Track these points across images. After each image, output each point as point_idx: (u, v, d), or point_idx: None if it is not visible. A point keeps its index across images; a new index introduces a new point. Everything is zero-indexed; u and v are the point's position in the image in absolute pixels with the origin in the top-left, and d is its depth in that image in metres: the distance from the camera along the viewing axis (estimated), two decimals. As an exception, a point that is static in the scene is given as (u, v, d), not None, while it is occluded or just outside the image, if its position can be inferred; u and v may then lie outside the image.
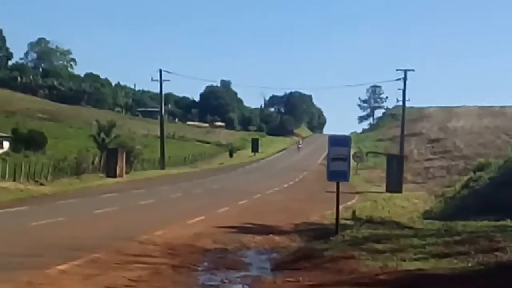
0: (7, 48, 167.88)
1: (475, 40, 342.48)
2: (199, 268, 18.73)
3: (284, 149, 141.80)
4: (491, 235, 21.18)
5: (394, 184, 53.24)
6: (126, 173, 77.19)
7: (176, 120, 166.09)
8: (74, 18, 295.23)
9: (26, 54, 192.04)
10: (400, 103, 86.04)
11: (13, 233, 25.43)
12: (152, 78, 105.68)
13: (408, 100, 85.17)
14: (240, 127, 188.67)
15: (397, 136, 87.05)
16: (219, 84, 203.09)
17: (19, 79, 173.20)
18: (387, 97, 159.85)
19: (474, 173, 49.02)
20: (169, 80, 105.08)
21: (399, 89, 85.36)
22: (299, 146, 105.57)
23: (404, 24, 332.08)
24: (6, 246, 20.99)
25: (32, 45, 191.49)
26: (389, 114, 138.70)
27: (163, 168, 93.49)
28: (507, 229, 22.58)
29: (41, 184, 59.83)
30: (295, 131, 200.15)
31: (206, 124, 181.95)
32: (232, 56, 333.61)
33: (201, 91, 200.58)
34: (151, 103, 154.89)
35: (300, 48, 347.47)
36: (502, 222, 24.91)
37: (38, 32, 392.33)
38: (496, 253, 17.37)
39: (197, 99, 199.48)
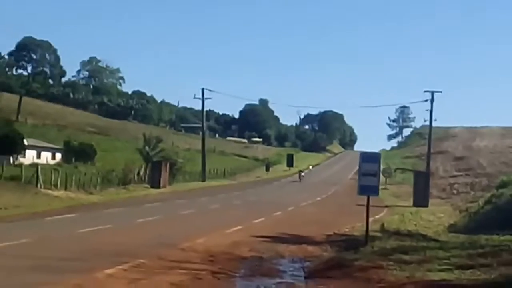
0: (61, 66, 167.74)
1: (499, 62, 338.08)
2: (237, 275, 19.07)
3: (317, 164, 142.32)
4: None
5: (421, 199, 53.77)
6: (169, 184, 78.74)
7: (217, 135, 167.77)
8: (124, 39, 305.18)
9: (78, 72, 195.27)
10: (427, 123, 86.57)
11: (63, 239, 26.26)
12: (194, 95, 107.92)
13: (435, 120, 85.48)
14: (276, 143, 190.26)
15: (424, 154, 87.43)
16: (257, 103, 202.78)
17: (71, 95, 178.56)
18: (414, 117, 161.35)
19: (497, 190, 48.51)
20: (210, 98, 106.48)
21: (426, 110, 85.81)
22: (302, 175, 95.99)
23: (433, 47, 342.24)
24: (57, 250, 21.71)
25: (83, 64, 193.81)
26: (417, 133, 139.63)
27: (203, 180, 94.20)
28: None
29: (90, 193, 61.33)
30: (328, 147, 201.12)
31: (245, 140, 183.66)
32: (270, 76, 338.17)
33: (241, 108, 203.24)
34: (193, 119, 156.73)
35: (333, 69, 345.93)
36: None
37: (90, 51, 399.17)
38: None
39: (236, 116, 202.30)
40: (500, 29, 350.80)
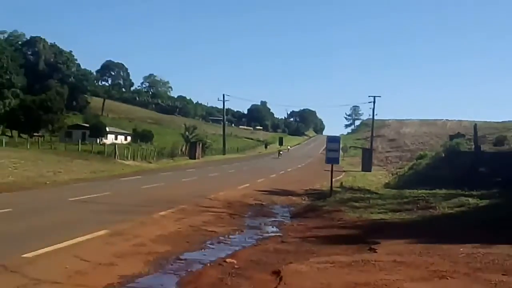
0: (130, 79, 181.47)
1: (422, 72, 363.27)
2: (246, 216, 21.54)
3: (298, 144, 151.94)
4: (427, 198, 23.86)
5: (366, 166, 57.29)
6: (202, 157, 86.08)
7: (232, 125, 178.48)
8: (171, 59, 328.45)
9: (142, 83, 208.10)
10: (371, 116, 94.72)
11: (132, 192, 29.17)
12: (218, 98, 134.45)
13: (376, 114, 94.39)
14: (272, 130, 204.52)
15: (368, 137, 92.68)
16: (259, 103, 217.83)
17: (137, 98, 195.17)
18: (362, 113, 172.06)
19: (416, 160, 52.32)
20: (228, 100, 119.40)
21: (370, 108, 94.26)
22: (280, 153, 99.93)
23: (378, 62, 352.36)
24: (128, 200, 24.66)
25: (145, 78, 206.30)
26: (364, 124, 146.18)
27: (224, 154, 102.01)
28: (436, 195, 24.78)
29: (149, 162, 67.55)
30: (306, 133, 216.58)
31: (251, 128, 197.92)
32: (268, 84, 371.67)
33: (248, 107, 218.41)
34: (217, 114, 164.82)
35: (309, 79, 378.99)
36: (433, 191, 26.85)
37: (150, 68, 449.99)
38: (430, 210, 20.64)
39: (245, 112, 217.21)
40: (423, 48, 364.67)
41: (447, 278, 9.54)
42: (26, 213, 18.86)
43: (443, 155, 44.19)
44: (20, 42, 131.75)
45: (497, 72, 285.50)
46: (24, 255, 11.00)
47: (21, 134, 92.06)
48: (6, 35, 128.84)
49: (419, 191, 28.03)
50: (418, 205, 22.54)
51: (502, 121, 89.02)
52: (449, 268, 10.35)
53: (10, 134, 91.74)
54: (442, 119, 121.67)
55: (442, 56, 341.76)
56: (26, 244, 12.19)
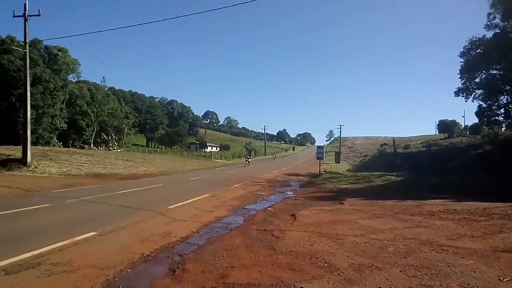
0: (218, 119, 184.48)
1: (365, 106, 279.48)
2: (276, 186, 20.76)
3: (302, 150, 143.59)
4: (369, 176, 23.74)
5: (337, 161, 54.69)
6: (254, 157, 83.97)
7: (269, 141, 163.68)
8: (240, 106, 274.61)
9: (224, 120, 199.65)
10: (339, 135, 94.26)
11: (220, 175, 28.34)
12: (261, 127, 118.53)
13: (340, 134, 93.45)
14: (289, 143, 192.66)
15: (337, 146, 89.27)
16: (282, 129, 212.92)
17: (221, 128, 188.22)
18: (334, 133, 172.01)
19: (363, 157, 50.05)
20: (268, 127, 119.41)
21: (338, 129, 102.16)
22: (248, 160, 56.06)
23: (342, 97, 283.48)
24: (218, 179, 24.33)
25: (226, 118, 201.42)
26: (335, 139, 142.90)
27: (265, 155, 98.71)
28: (374, 175, 24.28)
29: (228, 160, 66.53)
30: (306, 144, 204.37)
31: (278, 142, 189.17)
32: (285, 117, 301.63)
33: (276, 132, 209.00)
34: (261, 136, 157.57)
35: (308, 111, 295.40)
36: (372, 173, 26.32)
37: (228, 112, 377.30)
38: (371, 182, 20.53)
39: (275, 134, 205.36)
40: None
41: (381, 217, 9.46)
42: (170, 186, 19.07)
43: (377, 154, 43.49)
44: (165, 102, 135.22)
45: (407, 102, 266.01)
46: (169, 207, 11.14)
47: (166, 147, 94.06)
48: (158, 99, 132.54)
49: (365, 173, 27.57)
50: (364, 180, 22.22)
51: (408, 136, 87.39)
52: (382, 212, 10.32)
53: (161, 147, 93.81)
54: (376, 136, 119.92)
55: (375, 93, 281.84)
56: (170, 201, 12.20)
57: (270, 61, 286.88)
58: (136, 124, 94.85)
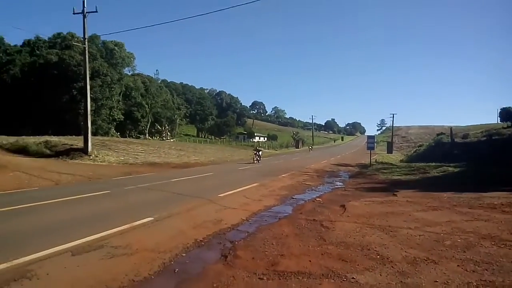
0: (265, 109, 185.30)
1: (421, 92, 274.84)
2: (325, 176, 20.39)
3: (351, 140, 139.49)
4: (424, 167, 22.63)
5: (389, 151, 51.57)
6: (302, 147, 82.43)
7: (316, 131, 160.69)
8: (286, 95, 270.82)
9: (271, 110, 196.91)
10: (391, 124, 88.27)
11: (268, 165, 27.76)
12: (308, 117, 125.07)
13: (393, 123, 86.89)
14: (337, 133, 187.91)
15: (390, 136, 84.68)
16: (330, 119, 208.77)
17: (269, 118, 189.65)
18: (386, 122, 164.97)
19: (418, 147, 47.11)
20: (316, 117, 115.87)
21: (390, 119, 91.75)
22: (310, 149, 66.60)
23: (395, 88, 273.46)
24: (266, 169, 24.12)
25: (273, 108, 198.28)
26: (387, 128, 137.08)
27: (313, 145, 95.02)
28: (430, 166, 23.11)
29: (276, 150, 65.65)
30: (355, 134, 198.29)
31: (326, 132, 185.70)
32: (336, 105, 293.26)
33: (324, 121, 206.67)
34: (308, 125, 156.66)
35: (359, 100, 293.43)
36: (427, 164, 25.05)
37: (276, 102, 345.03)
38: (426, 173, 19.52)
39: (323, 123, 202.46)
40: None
41: (436, 210, 9.03)
42: (220, 174, 19.35)
43: (433, 144, 41.32)
44: (214, 93, 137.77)
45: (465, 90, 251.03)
46: (219, 195, 11.36)
47: (215, 138, 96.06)
48: (207, 90, 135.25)
49: (419, 164, 26.36)
50: (419, 171, 21.16)
51: (467, 125, 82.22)
52: (438, 204, 9.81)
53: (210, 138, 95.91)
54: (431, 125, 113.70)
55: (433, 80, 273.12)
56: (220, 190, 12.41)
57: (317, 50, 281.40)
58: (187, 115, 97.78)
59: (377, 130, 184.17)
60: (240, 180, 15.97)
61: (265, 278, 4.49)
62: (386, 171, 22.81)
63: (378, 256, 5.28)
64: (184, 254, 5.49)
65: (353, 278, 4.46)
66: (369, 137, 32.06)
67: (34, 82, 48.81)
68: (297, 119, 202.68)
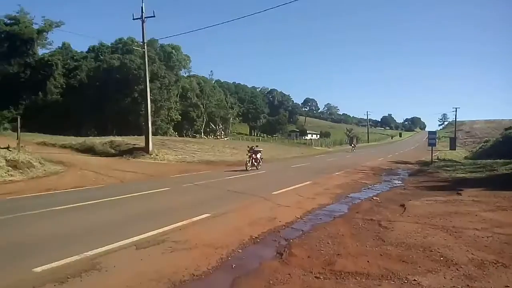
0: (317, 106, 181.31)
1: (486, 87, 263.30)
2: (382, 174, 19.71)
3: (410, 136, 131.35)
4: (491, 164, 21.38)
5: (452, 147, 49.89)
6: (356, 144, 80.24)
7: (372, 127, 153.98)
8: (340, 92, 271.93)
9: (324, 107, 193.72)
10: (454, 119, 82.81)
11: (321, 163, 27.58)
12: (365, 113, 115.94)
13: (456, 118, 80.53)
14: (394, 129, 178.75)
15: (453, 131, 79.44)
16: (387, 114, 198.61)
17: (321, 115, 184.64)
18: (449, 117, 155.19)
19: (484, 143, 44.01)
20: (371, 113, 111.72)
21: (453, 113, 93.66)
22: (353, 147, 55.57)
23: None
24: (319, 166, 23.85)
25: (326, 105, 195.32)
26: (450, 123, 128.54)
27: (368, 142, 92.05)
28: (497, 163, 21.66)
29: (329, 147, 63.79)
30: (415, 129, 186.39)
31: (382, 128, 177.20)
32: (392, 100, 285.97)
33: (380, 117, 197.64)
34: (363, 122, 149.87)
35: (418, 93, 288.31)
36: (495, 160, 23.62)
37: (328, 99, 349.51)
38: (493, 171, 18.33)
39: (379, 119, 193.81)
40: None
41: (506, 210, 8.46)
42: (273, 172, 19.45)
43: (501, 139, 38.34)
44: (266, 92, 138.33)
45: None
46: (273, 193, 11.42)
47: (267, 136, 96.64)
48: (259, 89, 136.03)
49: (486, 161, 24.86)
50: (486, 168, 19.87)
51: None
52: (507, 204, 9.18)
53: (262, 136, 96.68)
54: (499, 119, 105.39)
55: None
56: (273, 187, 12.50)
57: (371, 44, 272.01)
58: (240, 114, 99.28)
59: (439, 125, 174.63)
60: (293, 178, 15.89)
61: (321, 277, 4.44)
62: (449, 169, 21.70)
63: (441, 258, 5.03)
64: (240, 250, 5.57)
65: (414, 280, 4.28)
66: (430, 132, 30.58)
67: (98, 86, 52.24)
68: (351, 115, 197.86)
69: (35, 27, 57.39)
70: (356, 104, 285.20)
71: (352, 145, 56.55)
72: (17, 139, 17.99)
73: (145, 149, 25.55)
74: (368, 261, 4.96)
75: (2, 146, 17.53)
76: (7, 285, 4.08)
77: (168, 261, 5.01)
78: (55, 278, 4.28)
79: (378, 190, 13.34)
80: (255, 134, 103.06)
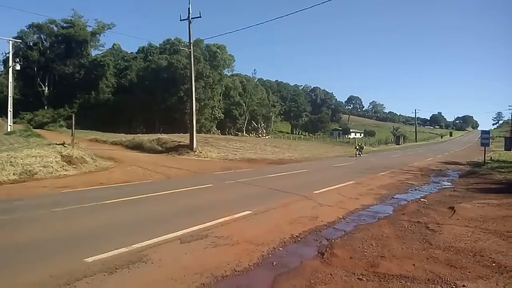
0: (362, 104, 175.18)
1: None
2: (431, 175, 18.75)
3: (461, 136, 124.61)
4: None
5: (507, 147, 46.82)
6: (403, 143, 74.35)
7: (420, 126, 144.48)
8: (386, 89, 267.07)
9: (368, 105, 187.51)
10: (510, 118, 78.62)
11: (364, 163, 26.53)
12: (413, 111, 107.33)
13: None
14: (444, 128, 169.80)
15: (508, 130, 74.74)
16: (436, 113, 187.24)
17: (366, 114, 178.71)
18: (503, 116, 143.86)
19: None
20: (419, 111, 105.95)
21: (509, 111, 78.89)
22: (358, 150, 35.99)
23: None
24: (363, 166, 23.14)
25: (371, 102, 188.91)
26: (505, 122, 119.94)
27: (416, 142, 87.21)
28: None
29: (373, 147, 60.14)
30: (466, 128, 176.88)
31: (431, 127, 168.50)
32: (442, 99, 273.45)
33: (429, 115, 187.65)
34: (411, 120, 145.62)
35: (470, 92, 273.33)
36: None
37: (373, 96, 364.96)
38: None
39: (428, 118, 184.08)
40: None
41: None
42: (315, 171, 19.23)
43: None
44: (308, 90, 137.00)
45: None
46: (314, 192, 11.27)
47: (309, 134, 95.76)
48: (302, 87, 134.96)
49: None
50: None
51: None
52: None
53: (304, 134, 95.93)
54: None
55: None
56: (315, 186, 12.34)
57: (419, 38, 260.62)
58: (282, 112, 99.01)
59: (493, 124, 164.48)
60: (336, 178, 15.67)
61: (364, 279, 4.35)
62: (503, 170, 20.25)
63: (493, 264, 4.77)
64: (281, 248, 5.57)
65: (463, 286, 4.10)
66: (483, 132, 28.65)
67: (147, 85, 54.30)
68: (398, 114, 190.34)
69: (89, 29, 60.79)
70: (404, 102, 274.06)
71: (357, 147, 36.69)
72: (72, 136, 19.07)
73: (190, 147, 26.22)
74: (413, 265, 4.79)
75: (58, 143, 18.69)
76: (61, 273, 4.33)
77: (211, 256, 5.12)
78: (105, 269, 4.52)
79: (426, 192, 12.79)
80: (297, 133, 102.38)
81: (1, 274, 4.32)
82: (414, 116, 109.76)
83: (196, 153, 25.59)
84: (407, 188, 13.44)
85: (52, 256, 4.99)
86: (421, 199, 10.77)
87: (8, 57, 38.91)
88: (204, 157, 25.03)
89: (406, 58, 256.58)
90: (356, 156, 33.06)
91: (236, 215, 7.61)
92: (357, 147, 36.06)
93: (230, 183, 13.15)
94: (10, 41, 36.16)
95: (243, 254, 5.21)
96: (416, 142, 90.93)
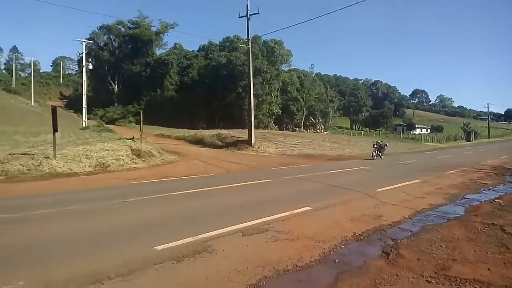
0: (428, 98, 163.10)
1: None
2: (506, 175, 17.02)
3: None
4: None
5: None
6: (474, 140, 70.63)
7: (493, 121, 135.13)
8: (456, 83, 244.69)
9: (435, 99, 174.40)
10: None
11: (430, 160, 25.90)
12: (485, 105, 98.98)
13: None
14: None
15: None
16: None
17: (432, 108, 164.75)
18: None
19: None
20: (492, 105, 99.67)
21: None
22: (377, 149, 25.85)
23: None
24: (428, 164, 22.16)
25: (438, 96, 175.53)
26: None
27: (489, 138, 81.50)
28: None
29: (441, 143, 57.86)
30: None
31: (507, 122, 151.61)
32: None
33: (503, 110, 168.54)
34: (483, 115, 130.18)
35: None
36: None
37: (440, 90, 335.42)
38: None
39: (502, 112, 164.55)
40: None
41: None
42: (377, 169, 18.54)
43: None
44: (369, 83, 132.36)
45: None
46: (377, 190, 10.92)
47: (370, 130, 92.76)
48: (362, 81, 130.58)
49: None
50: None
51: None
52: None
53: (365, 130, 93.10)
54: None
55: None
56: (378, 184, 12.01)
57: (494, 26, 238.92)
58: (340, 107, 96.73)
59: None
60: (400, 175, 15.07)
61: (433, 281, 4.14)
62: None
63: None
64: (343, 246, 5.48)
65: (549, 296, 3.69)
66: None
67: (208, 82, 56.02)
68: (468, 108, 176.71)
69: (153, 29, 63.99)
70: (475, 95, 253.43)
71: (375, 146, 26.40)
72: (140, 131, 20.28)
73: (248, 142, 26.66)
74: (489, 269, 4.48)
75: (128, 137, 19.97)
76: (132, 260, 4.62)
77: (272, 250, 5.17)
78: (173, 257, 4.75)
79: (501, 192, 11.80)
80: (357, 128, 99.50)
81: (83, 257, 4.74)
82: (487, 111, 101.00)
83: (254, 148, 25.96)
84: (480, 188, 12.53)
85: (125, 243, 5.38)
86: (496, 200, 9.99)
87: (82, 57, 42.00)
88: (262, 153, 25.32)
89: (478, 51, 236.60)
90: (373, 157, 24.89)
91: (296, 211, 7.60)
92: (375, 146, 25.70)
93: (288, 179, 13.20)
94: (83, 42, 39.12)
95: (304, 249, 5.19)
96: (489, 138, 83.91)
